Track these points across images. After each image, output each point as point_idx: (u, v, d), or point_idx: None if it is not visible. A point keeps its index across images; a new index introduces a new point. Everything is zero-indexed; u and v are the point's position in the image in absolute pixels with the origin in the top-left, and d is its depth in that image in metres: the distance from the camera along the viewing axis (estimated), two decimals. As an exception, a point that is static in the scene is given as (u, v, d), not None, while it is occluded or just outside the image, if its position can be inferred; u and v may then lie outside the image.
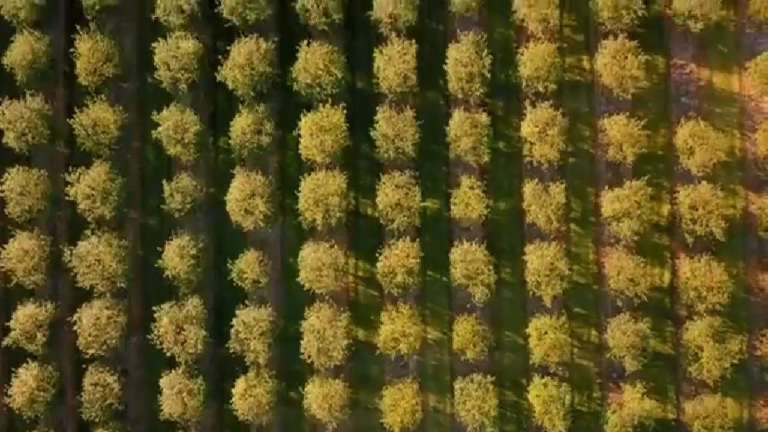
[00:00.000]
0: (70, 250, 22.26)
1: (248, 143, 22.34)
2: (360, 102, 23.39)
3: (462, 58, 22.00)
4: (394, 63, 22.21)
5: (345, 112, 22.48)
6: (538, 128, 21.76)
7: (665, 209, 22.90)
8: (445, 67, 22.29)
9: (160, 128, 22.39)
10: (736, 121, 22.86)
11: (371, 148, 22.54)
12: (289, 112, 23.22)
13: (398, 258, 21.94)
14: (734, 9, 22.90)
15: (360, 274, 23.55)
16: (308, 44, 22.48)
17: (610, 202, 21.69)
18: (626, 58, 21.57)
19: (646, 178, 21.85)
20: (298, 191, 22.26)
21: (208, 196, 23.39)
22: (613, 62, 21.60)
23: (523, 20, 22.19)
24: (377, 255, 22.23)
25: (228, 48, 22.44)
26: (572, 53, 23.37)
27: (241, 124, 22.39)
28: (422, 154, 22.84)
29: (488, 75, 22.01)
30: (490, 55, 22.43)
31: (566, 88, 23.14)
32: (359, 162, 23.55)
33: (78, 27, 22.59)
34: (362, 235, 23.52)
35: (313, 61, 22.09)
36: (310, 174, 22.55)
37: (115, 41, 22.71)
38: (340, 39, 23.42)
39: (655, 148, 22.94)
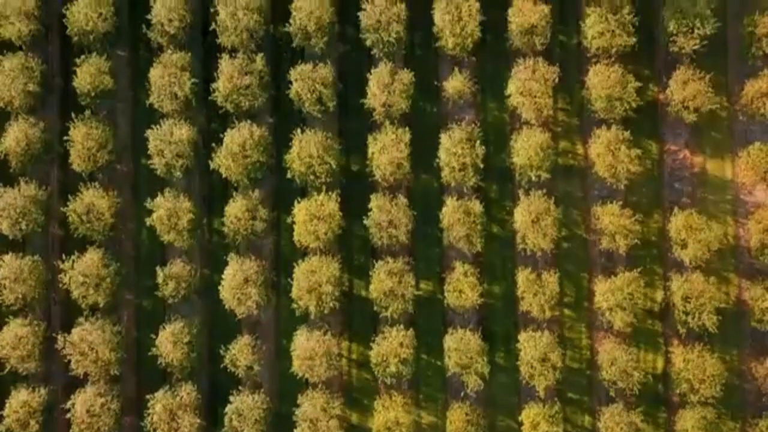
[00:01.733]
0: (64, 338, 22.26)
1: (242, 229, 22.37)
2: (355, 184, 23.42)
3: (455, 148, 22.03)
4: (387, 150, 22.26)
5: (339, 196, 22.59)
6: (532, 218, 21.78)
7: (659, 295, 22.91)
8: (438, 153, 22.43)
9: (153, 215, 22.41)
10: (730, 207, 22.90)
11: (365, 230, 22.57)
12: (284, 194, 23.25)
13: (391, 347, 21.95)
14: (727, 96, 22.96)
15: (354, 356, 23.56)
16: (302, 131, 22.55)
17: (602, 293, 21.72)
18: (620, 149, 21.61)
19: (639, 270, 21.86)
20: (292, 277, 22.29)
21: (203, 277, 23.42)
22: (606, 153, 21.64)
23: (516, 108, 22.28)
24: (372, 339, 22.25)
25: (222, 135, 22.50)
26: (566, 137, 23.42)
27: (235, 210, 22.41)
28: (416, 236, 22.87)
29: (481, 165, 22.04)
30: (484, 138, 22.68)
31: (560, 173, 23.16)
32: (353, 242, 23.57)
33: (73, 114, 22.60)
34: (356, 317, 23.53)
35: (307, 150, 22.13)
36: (304, 257, 22.58)
37: (109, 127, 22.74)
38: (335, 123, 23.48)
39: (649, 234, 22.97)
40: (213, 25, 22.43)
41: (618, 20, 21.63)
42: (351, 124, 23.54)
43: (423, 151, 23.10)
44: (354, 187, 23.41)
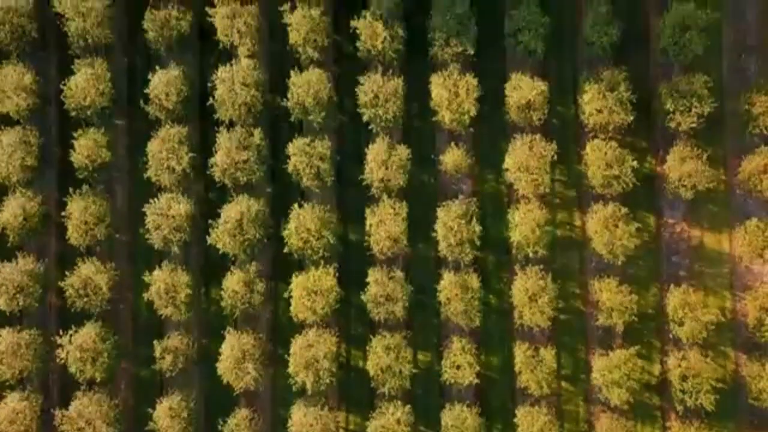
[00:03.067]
0: (62, 413, 22.24)
1: (240, 303, 22.36)
2: (353, 254, 23.41)
3: (452, 223, 22.04)
4: (385, 224, 22.27)
5: (337, 267, 22.61)
6: (529, 294, 21.78)
7: (656, 369, 22.91)
8: (435, 224, 22.47)
9: (151, 289, 22.42)
10: (727, 281, 22.90)
11: (364, 301, 22.56)
12: (282, 264, 23.24)
13: (389, 423, 21.92)
14: (724, 170, 22.98)
15: (351, 427, 23.53)
16: (300, 203, 22.57)
17: (599, 370, 21.71)
18: (617, 225, 21.62)
19: (636, 348, 21.85)
20: (290, 349, 22.29)
21: (201, 347, 23.42)
22: (604, 230, 21.65)
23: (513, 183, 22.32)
24: (370, 413, 22.23)
25: (220, 208, 22.52)
26: (563, 209, 23.43)
27: (233, 283, 22.40)
28: (414, 307, 22.84)
29: (478, 243, 22.04)
30: (481, 208, 22.83)
31: (557, 244, 23.16)
32: (351, 312, 23.55)
33: (71, 189, 22.63)
34: (354, 388, 23.50)
35: (305, 225, 22.13)
36: (302, 328, 22.56)
37: (107, 201, 22.76)
38: (333, 193, 23.49)
39: (646, 307, 22.95)
40: (211, 100, 22.45)
41: (615, 98, 21.64)
42: (349, 194, 23.53)
43: (420, 221, 23.11)
44: (352, 257, 23.41)
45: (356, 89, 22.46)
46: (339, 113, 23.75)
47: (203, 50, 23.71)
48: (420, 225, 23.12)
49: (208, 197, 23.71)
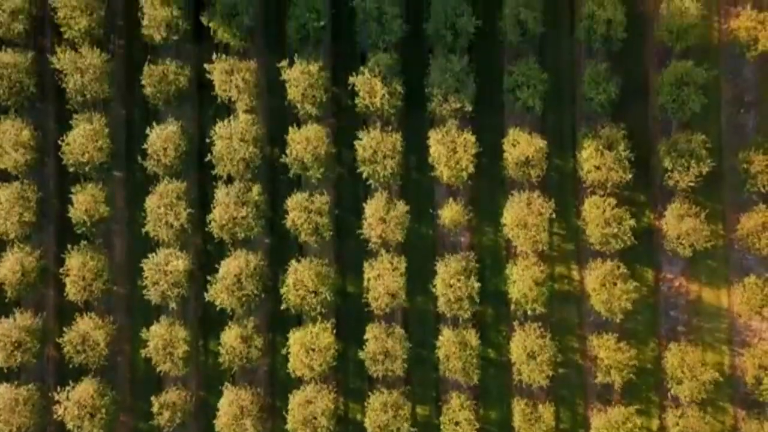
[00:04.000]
0: (59, 470, 22.27)
1: (237, 358, 22.33)
2: (351, 307, 23.39)
3: (451, 280, 22.03)
4: (383, 279, 22.25)
5: (335, 321, 22.63)
6: (527, 352, 21.76)
7: (654, 424, 22.89)
8: (433, 275, 22.48)
9: (149, 344, 22.39)
10: (726, 337, 22.89)
11: (362, 350, 22.55)
12: (280, 317, 23.20)
13: (387, 481, 21.93)
14: (723, 225, 22.98)
15: (350, 481, 23.57)
16: (298, 257, 22.58)
17: (598, 428, 21.69)
18: (615, 284, 21.61)
19: (635, 407, 21.83)
20: (287, 405, 22.28)
21: (198, 402, 23.39)
22: (602, 289, 21.64)
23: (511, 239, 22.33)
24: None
25: (218, 263, 22.52)
26: (562, 262, 23.42)
27: (230, 338, 22.38)
28: (412, 360, 22.79)
29: (477, 300, 22.03)
30: (480, 261, 22.86)
31: (555, 299, 23.14)
32: (349, 366, 23.51)
33: (69, 245, 22.63)
34: (352, 443, 23.56)
35: (303, 281, 22.11)
36: (300, 382, 22.52)
37: (104, 256, 22.74)
38: (331, 245, 23.48)
39: (645, 362, 22.93)
40: (209, 156, 22.45)
41: (614, 156, 21.65)
42: (347, 245, 23.51)
43: (419, 274, 23.11)
44: (350, 310, 23.39)
45: (355, 142, 22.44)
46: (337, 165, 23.74)
47: (202, 102, 23.69)
48: (418, 277, 23.11)
49: (207, 249, 23.68)
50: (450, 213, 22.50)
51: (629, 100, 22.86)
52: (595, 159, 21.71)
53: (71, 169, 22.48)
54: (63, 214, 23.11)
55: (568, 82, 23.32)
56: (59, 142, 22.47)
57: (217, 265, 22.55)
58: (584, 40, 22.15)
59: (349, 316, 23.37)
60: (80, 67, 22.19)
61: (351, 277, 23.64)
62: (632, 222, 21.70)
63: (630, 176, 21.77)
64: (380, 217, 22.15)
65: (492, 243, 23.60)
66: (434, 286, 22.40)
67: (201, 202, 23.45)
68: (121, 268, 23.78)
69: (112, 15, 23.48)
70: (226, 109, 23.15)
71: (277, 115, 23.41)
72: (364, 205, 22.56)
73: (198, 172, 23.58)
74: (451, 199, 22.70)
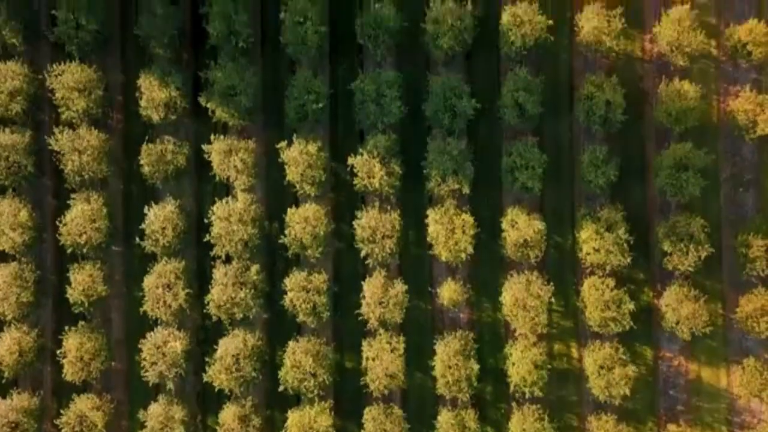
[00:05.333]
0: None
1: (235, 438, 22.33)
2: (349, 383, 23.33)
3: (449, 361, 21.97)
4: (382, 359, 22.19)
5: (333, 402, 22.62)
6: (526, 435, 21.76)
7: (654, 502, 22.92)
8: (431, 350, 22.46)
9: (147, 425, 22.34)
10: (724, 417, 22.83)
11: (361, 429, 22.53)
12: (280, 396, 23.12)
13: None
14: (722, 305, 22.94)
15: None
16: (296, 339, 22.55)
17: None
18: (614, 368, 21.56)
19: (635, 493, 21.93)
20: (286, 485, 22.28)
21: (197, 478, 23.46)
22: (600, 372, 21.59)
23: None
24: None
25: (215, 343, 22.51)
26: (560, 340, 23.36)
27: (228, 419, 22.32)
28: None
29: (476, 383, 21.99)
30: (479, 338, 22.86)
31: (554, 377, 23.06)
32: (347, 442, 23.58)
33: (68, 320, 22.62)
34: None
35: (300, 362, 22.05)
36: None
37: (102, 336, 22.69)
38: (330, 324, 23.44)
39: (644, 441, 22.99)
40: (208, 237, 22.42)
41: (613, 240, 21.60)
42: (346, 321, 23.42)
43: (417, 351, 23.07)
44: (349, 388, 23.33)
45: (354, 222, 22.42)
46: (336, 240, 23.72)
47: (200, 177, 23.64)
48: (417, 355, 23.08)
49: (205, 324, 23.62)
50: (449, 293, 22.47)
51: (628, 178, 22.83)
52: (594, 241, 21.67)
53: (69, 250, 22.43)
54: (61, 291, 23.06)
55: (567, 160, 23.29)
56: (57, 223, 22.40)
57: (215, 345, 22.49)
58: (583, 121, 22.13)
59: (347, 393, 23.32)
60: (78, 148, 22.17)
61: (350, 354, 23.58)
62: (632, 306, 21.63)
63: (629, 259, 21.70)
64: (379, 297, 22.10)
65: (491, 319, 23.55)
66: (433, 366, 22.34)
67: (200, 276, 23.44)
68: (119, 344, 23.74)
69: (110, 92, 23.47)
70: (225, 187, 23.14)
71: (276, 191, 23.36)
72: (362, 283, 22.51)
73: (196, 248, 23.54)
74: (449, 279, 22.67)
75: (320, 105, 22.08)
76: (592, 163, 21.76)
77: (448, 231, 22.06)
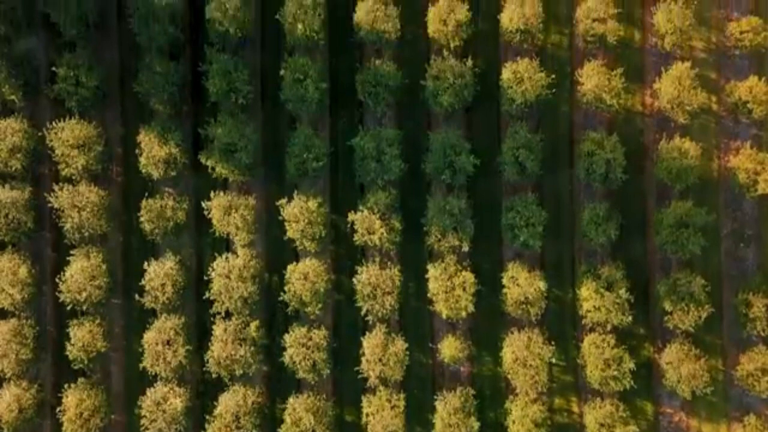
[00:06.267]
0: None
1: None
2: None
3: (449, 419, 21.91)
4: (382, 416, 22.12)
5: None
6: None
7: None
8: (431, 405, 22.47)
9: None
10: (727, 476, 22.89)
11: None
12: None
13: None
14: (722, 361, 22.90)
15: None
16: (296, 395, 22.50)
17: None
18: (615, 426, 21.52)
19: None
20: None
21: None
22: (602, 429, 21.54)
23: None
24: None
25: (215, 402, 22.47)
26: (561, 395, 23.31)
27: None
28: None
29: (475, 438, 22.04)
30: (479, 392, 22.91)
31: (554, 430, 23.06)
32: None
33: (67, 381, 22.64)
34: None
35: (300, 419, 22.02)
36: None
37: (102, 392, 22.64)
38: (330, 379, 23.41)
39: (644, 498, 22.95)
40: (207, 294, 22.37)
41: (613, 300, 21.56)
42: (346, 376, 23.37)
43: (417, 406, 23.05)
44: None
45: (354, 279, 22.38)
46: (336, 293, 23.68)
47: (200, 231, 23.57)
48: (417, 410, 23.06)
49: (205, 377, 23.54)
50: (450, 350, 22.43)
51: (629, 232, 22.79)
52: (595, 300, 21.63)
53: (69, 306, 22.38)
54: (61, 344, 23.00)
55: (567, 213, 23.26)
56: (57, 280, 22.34)
57: (215, 400, 22.45)
58: (584, 178, 22.09)
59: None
60: (78, 204, 22.12)
61: (349, 408, 23.53)
62: (632, 365, 21.59)
63: (629, 319, 21.66)
64: (378, 356, 22.05)
65: (492, 373, 23.49)
66: (433, 423, 22.30)
67: (200, 328, 23.39)
68: (118, 397, 23.68)
69: (110, 145, 23.42)
70: (225, 241, 23.11)
71: (276, 244, 23.25)
72: (362, 338, 22.47)
73: (196, 301, 23.47)
74: (450, 335, 22.63)
75: (320, 163, 22.04)
76: (593, 220, 21.72)
77: (448, 288, 22.01)
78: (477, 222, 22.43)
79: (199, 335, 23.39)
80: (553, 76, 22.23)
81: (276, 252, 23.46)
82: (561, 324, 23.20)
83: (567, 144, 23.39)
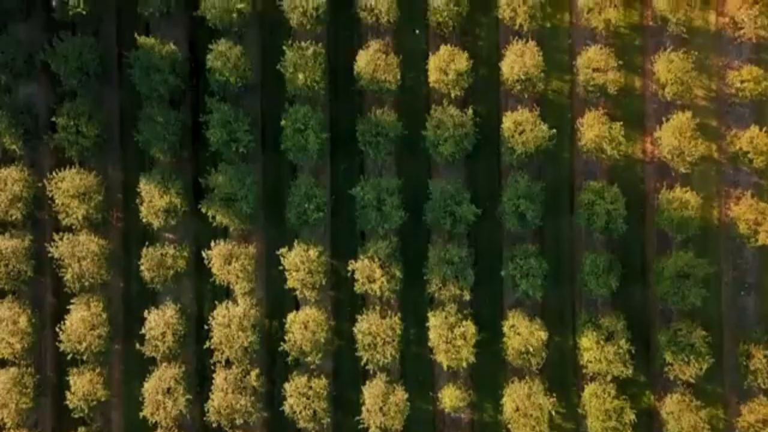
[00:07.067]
0: None
1: None
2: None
3: (451, 470, 22.02)
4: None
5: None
6: None
7: None
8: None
9: None
10: None
11: None
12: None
13: None
14: (724, 410, 22.87)
15: None
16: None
17: None
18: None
19: None
20: None
21: None
22: (602, 484, 21.60)
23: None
24: None
25: (216, 445, 22.57)
26: (561, 435, 23.46)
27: None
28: None
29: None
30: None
31: (554, 471, 23.14)
32: None
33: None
34: None
35: (301, 470, 22.12)
36: None
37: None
38: (331, 428, 23.42)
39: None
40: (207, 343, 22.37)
41: (614, 350, 21.54)
42: (346, 425, 23.33)
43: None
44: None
45: (354, 328, 22.37)
46: (335, 338, 23.66)
47: (200, 275, 23.54)
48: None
49: (205, 423, 23.52)
50: (450, 399, 22.40)
51: (629, 279, 22.75)
52: (595, 351, 21.60)
53: (69, 356, 22.36)
54: (61, 391, 22.96)
55: (567, 260, 23.23)
56: (57, 329, 22.31)
57: (215, 444, 22.57)
58: (584, 227, 22.09)
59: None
60: (78, 254, 22.11)
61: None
62: (633, 416, 21.57)
63: (630, 371, 21.65)
64: (379, 406, 22.02)
65: (492, 420, 23.46)
66: (434, 471, 22.39)
67: (200, 373, 23.39)
68: (118, 443, 23.73)
69: (110, 191, 23.40)
70: (225, 288, 23.09)
71: (276, 291, 23.13)
72: (362, 386, 22.46)
73: (196, 346, 23.43)
74: (451, 384, 22.60)
75: (321, 213, 22.04)
76: (593, 272, 21.70)
77: (449, 339, 21.98)
78: (478, 269, 22.44)
79: (199, 380, 23.37)
80: (555, 130, 22.12)
81: (276, 298, 23.44)
82: (562, 371, 23.17)
83: (568, 190, 23.38)
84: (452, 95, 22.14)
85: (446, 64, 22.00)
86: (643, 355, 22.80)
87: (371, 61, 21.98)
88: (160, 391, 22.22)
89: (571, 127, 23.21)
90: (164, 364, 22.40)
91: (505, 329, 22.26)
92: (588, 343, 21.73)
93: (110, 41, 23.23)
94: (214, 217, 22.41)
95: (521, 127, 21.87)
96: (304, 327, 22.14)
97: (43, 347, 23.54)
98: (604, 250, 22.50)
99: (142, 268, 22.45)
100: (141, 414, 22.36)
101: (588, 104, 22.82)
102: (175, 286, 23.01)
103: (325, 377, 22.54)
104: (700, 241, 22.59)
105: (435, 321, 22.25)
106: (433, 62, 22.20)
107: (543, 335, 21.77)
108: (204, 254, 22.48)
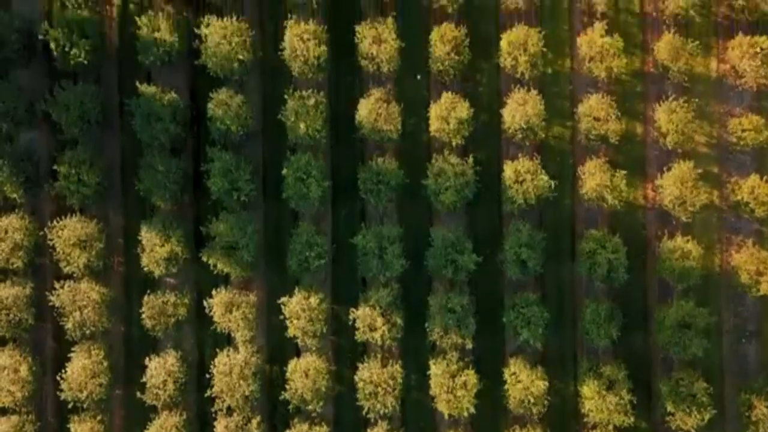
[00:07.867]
0: None
1: None
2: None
3: None
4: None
5: None
6: None
7: None
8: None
9: None
10: None
11: None
12: None
13: None
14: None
15: None
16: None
17: None
18: None
19: None
20: None
21: None
22: None
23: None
24: None
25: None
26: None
27: None
28: None
29: None
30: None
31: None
32: None
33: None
34: None
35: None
36: None
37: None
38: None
39: None
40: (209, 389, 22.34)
41: (616, 400, 21.51)
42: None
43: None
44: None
45: (355, 376, 22.35)
46: (336, 383, 23.64)
47: (201, 321, 23.48)
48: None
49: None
50: (451, 452, 22.45)
51: (630, 327, 22.74)
52: (597, 401, 21.57)
53: (70, 405, 22.33)
54: (62, 435, 23.08)
55: (569, 306, 23.22)
56: (58, 378, 22.29)
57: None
58: (585, 276, 22.08)
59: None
60: (79, 303, 22.09)
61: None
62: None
63: (631, 420, 21.62)
64: (380, 462, 22.05)
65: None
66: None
67: (201, 419, 23.37)
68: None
69: (111, 237, 23.38)
70: (227, 334, 23.07)
71: (278, 337, 23.12)
72: (364, 432, 22.54)
73: (197, 392, 23.40)
74: (451, 431, 22.59)
75: (322, 261, 22.02)
76: (594, 321, 21.68)
77: (450, 388, 21.95)
78: (479, 316, 22.42)
79: (200, 426, 23.34)
80: (555, 181, 22.10)
81: (277, 344, 23.41)
82: (563, 418, 23.14)
83: (569, 236, 23.38)
84: (453, 143, 22.13)
85: (447, 113, 22.00)
86: (644, 404, 22.77)
87: (373, 110, 21.98)
88: (162, 438, 22.21)
89: (572, 173, 23.20)
90: (165, 412, 22.36)
91: (507, 376, 22.23)
92: (589, 392, 21.71)
93: (111, 89, 23.23)
94: (215, 265, 22.38)
95: (522, 176, 21.85)
96: (305, 375, 22.11)
97: (44, 393, 23.50)
98: (605, 297, 22.48)
99: (143, 315, 22.42)
100: (142, 454, 22.41)
101: (589, 151, 22.81)
102: (176, 333, 22.98)
103: (326, 425, 22.53)
104: (702, 288, 22.57)
105: (436, 369, 22.22)
106: (435, 111, 22.20)
107: (543, 384, 21.73)
108: (205, 302, 22.45)
